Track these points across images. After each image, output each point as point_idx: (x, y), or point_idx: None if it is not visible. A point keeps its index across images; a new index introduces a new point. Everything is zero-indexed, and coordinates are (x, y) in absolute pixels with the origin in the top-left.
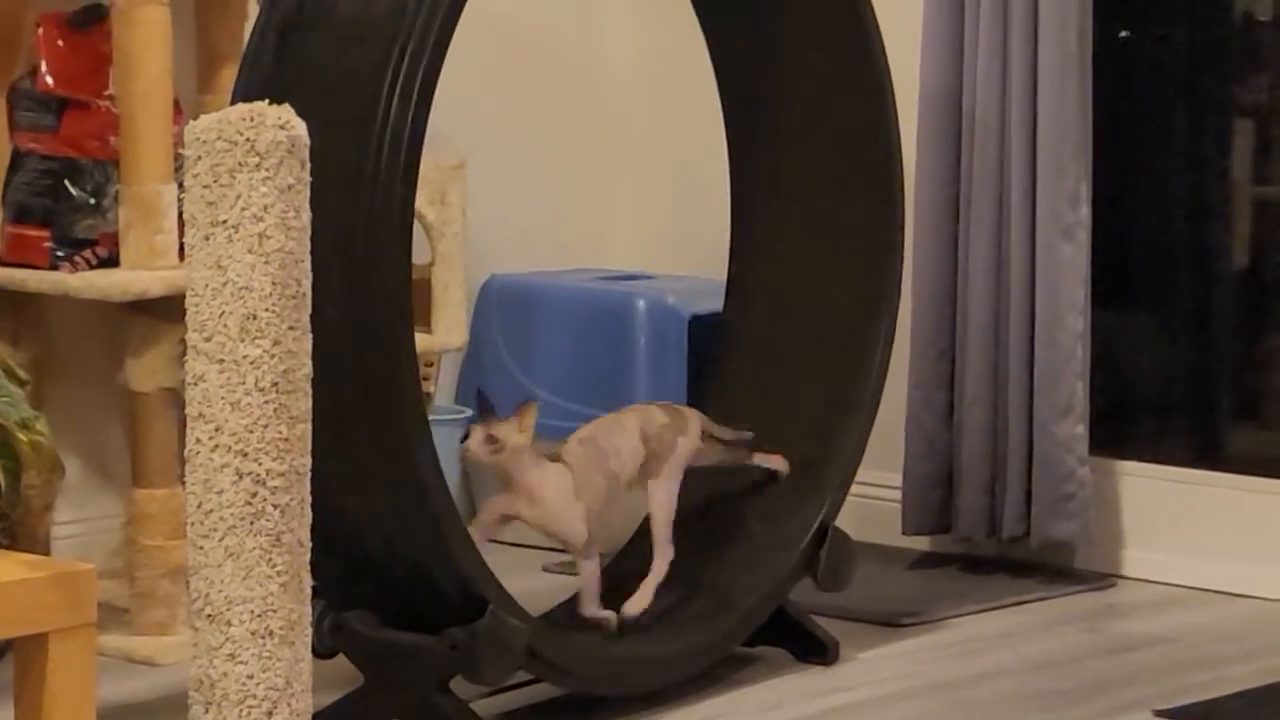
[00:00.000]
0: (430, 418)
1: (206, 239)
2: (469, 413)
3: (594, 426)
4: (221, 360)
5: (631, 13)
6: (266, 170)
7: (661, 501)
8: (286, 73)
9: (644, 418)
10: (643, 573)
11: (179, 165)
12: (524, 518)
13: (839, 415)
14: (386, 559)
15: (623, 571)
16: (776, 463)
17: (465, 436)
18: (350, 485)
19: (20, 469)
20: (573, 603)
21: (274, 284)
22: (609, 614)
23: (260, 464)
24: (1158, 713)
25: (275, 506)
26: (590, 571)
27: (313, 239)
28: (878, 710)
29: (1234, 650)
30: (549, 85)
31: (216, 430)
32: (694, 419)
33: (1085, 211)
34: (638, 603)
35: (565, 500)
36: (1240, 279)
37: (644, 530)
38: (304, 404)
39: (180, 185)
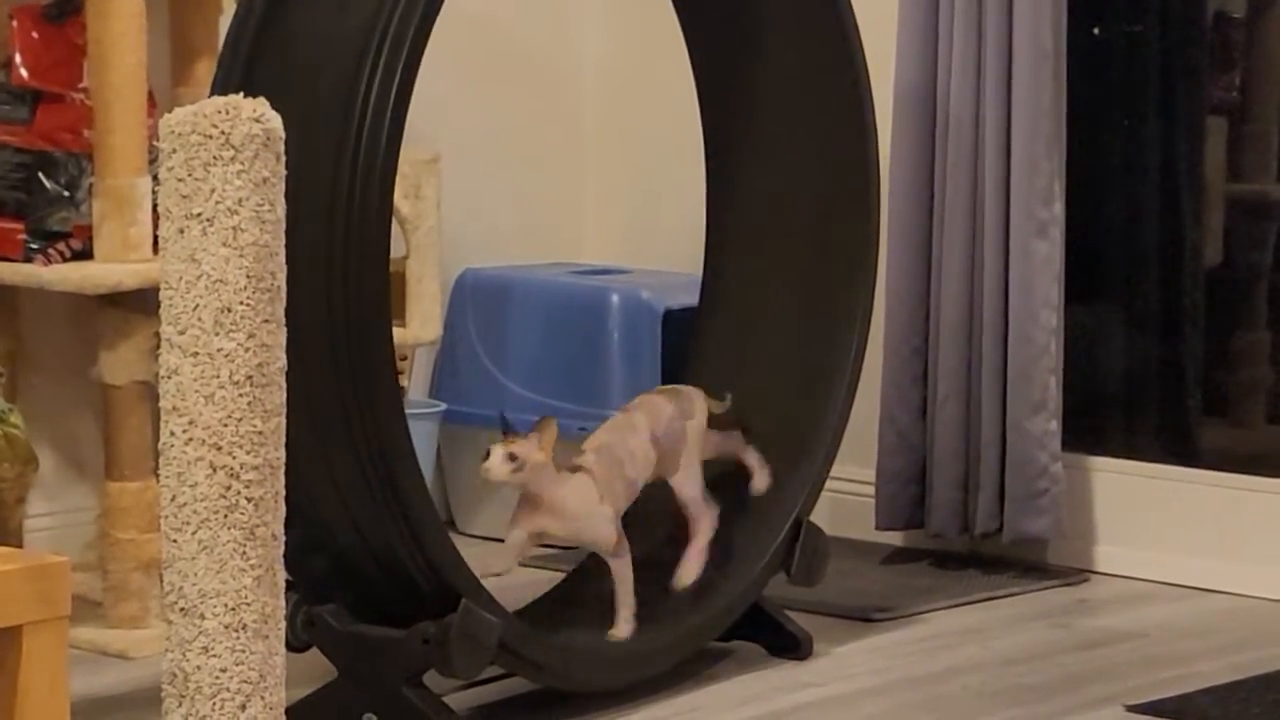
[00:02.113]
0: (404, 411)
1: (181, 232)
2: (443, 406)
3: (608, 432)
4: (196, 353)
5: (604, 8)
6: (241, 164)
7: (689, 490)
8: (264, 67)
9: (652, 415)
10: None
11: (153, 158)
12: (552, 533)
13: (812, 410)
14: (361, 553)
15: (601, 565)
16: (758, 477)
17: (486, 455)
18: (325, 479)
19: None
20: (575, 598)
21: (249, 277)
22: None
23: (234, 457)
24: (1129, 708)
25: (249, 500)
26: (623, 570)
27: (288, 232)
28: (850, 705)
29: (1205, 646)
30: (523, 79)
31: (190, 424)
32: (698, 398)
33: (1059, 208)
34: (691, 572)
35: (591, 508)
36: (1212, 276)
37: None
38: (278, 397)
39: (154, 178)
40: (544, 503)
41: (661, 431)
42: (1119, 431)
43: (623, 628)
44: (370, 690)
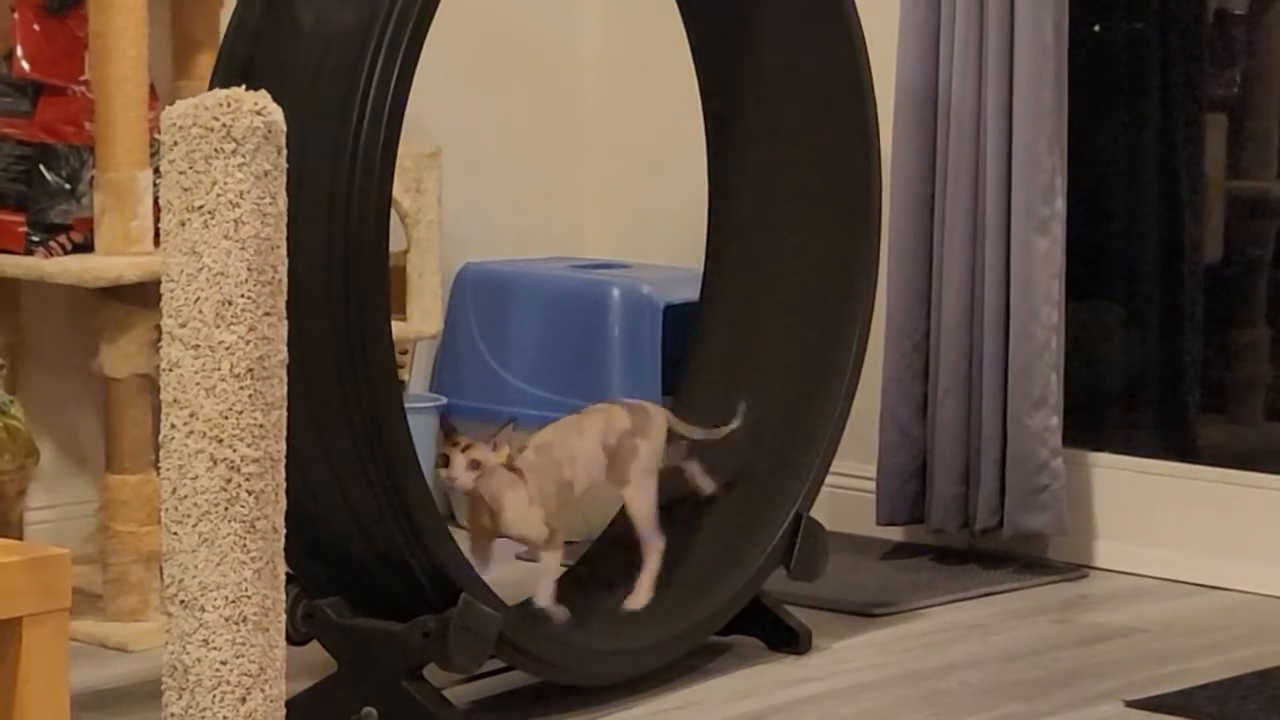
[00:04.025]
0: (404, 405)
1: (182, 225)
2: (444, 400)
3: (554, 430)
4: (196, 346)
5: (605, 1)
6: (242, 156)
7: (639, 505)
8: (264, 60)
9: (606, 423)
10: (621, 560)
11: (155, 151)
12: (488, 527)
13: (813, 405)
14: (360, 546)
15: (600, 558)
16: (704, 484)
17: (446, 462)
18: (325, 472)
19: None
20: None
21: (250, 270)
22: (560, 608)
23: (235, 450)
24: (1128, 703)
25: (250, 493)
26: (551, 562)
27: (290, 225)
28: (849, 700)
29: (1204, 642)
30: (523, 73)
31: (191, 416)
32: (659, 418)
33: (1060, 205)
34: (640, 598)
35: (520, 511)
36: (1212, 272)
37: (620, 518)
38: (279, 390)
39: (156, 171)
40: (484, 500)
41: (613, 441)
42: (1119, 427)
43: (540, 600)
44: (370, 684)
